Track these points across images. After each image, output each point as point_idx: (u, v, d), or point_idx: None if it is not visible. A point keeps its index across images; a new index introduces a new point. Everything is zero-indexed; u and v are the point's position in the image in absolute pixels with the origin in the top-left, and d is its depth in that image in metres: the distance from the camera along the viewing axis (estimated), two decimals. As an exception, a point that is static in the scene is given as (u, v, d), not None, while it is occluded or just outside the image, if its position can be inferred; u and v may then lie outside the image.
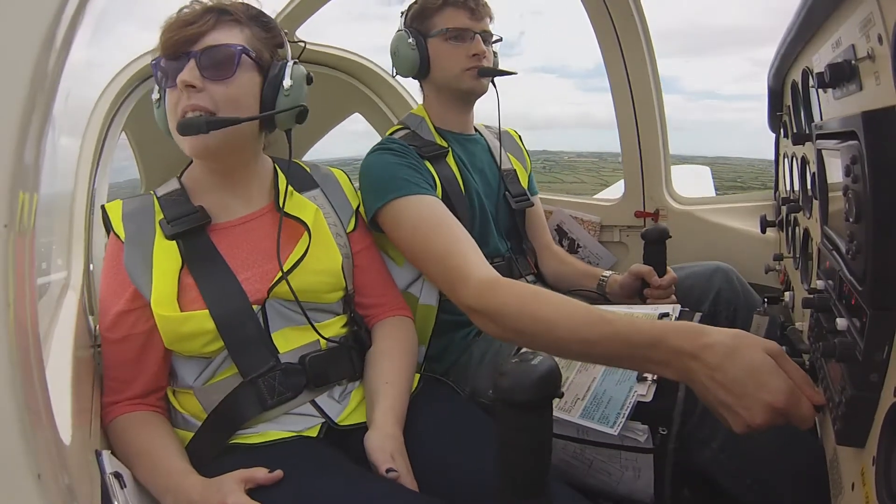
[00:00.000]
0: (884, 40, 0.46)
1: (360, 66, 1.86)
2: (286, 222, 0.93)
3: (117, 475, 0.69)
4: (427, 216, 1.03)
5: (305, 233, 0.93)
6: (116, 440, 0.83)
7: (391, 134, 1.24)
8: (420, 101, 1.32)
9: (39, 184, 0.43)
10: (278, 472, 0.75)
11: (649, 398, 0.88)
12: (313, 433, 0.87)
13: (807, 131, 0.92)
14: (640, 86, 1.58)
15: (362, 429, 0.85)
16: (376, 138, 1.27)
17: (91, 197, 1.19)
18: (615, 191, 2.34)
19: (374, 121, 2.04)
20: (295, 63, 0.91)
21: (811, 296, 0.67)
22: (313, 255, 0.92)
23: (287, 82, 0.88)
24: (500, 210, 1.30)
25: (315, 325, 0.91)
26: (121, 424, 0.84)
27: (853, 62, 0.54)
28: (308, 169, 1.05)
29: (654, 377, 0.90)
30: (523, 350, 0.82)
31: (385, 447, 0.80)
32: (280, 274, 0.88)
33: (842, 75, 0.56)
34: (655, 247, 1.21)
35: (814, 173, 0.80)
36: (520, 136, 1.48)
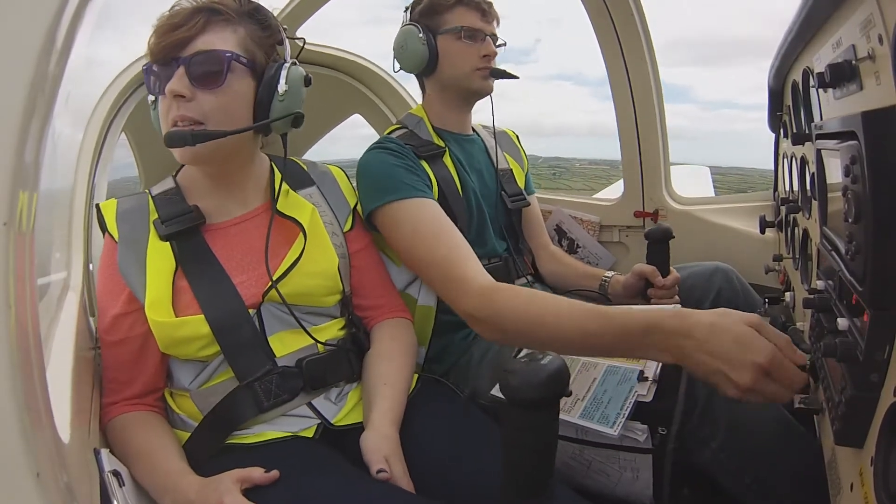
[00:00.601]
0: (884, 40, 0.46)
1: (360, 66, 1.86)
2: (282, 223, 0.93)
3: (116, 474, 0.69)
4: (425, 221, 1.03)
5: (301, 234, 0.93)
6: (115, 440, 0.83)
7: (389, 133, 1.23)
8: (420, 101, 1.32)
9: (39, 183, 0.43)
10: (274, 472, 0.75)
11: (649, 398, 0.88)
12: (309, 433, 0.87)
13: (806, 131, 0.92)
14: (640, 85, 1.58)
15: (359, 429, 0.85)
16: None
17: (90, 196, 1.19)
18: (615, 191, 2.34)
19: (374, 122, 2.04)
20: (293, 64, 0.88)
21: (811, 296, 0.67)
22: (309, 257, 0.91)
23: (282, 87, 0.85)
24: (497, 210, 1.30)
25: (312, 328, 0.91)
26: (119, 424, 0.84)
27: (853, 62, 0.54)
28: (305, 167, 1.04)
29: (655, 377, 0.90)
30: (525, 350, 0.82)
31: (380, 448, 0.79)
32: (273, 278, 0.87)
33: (842, 75, 0.56)
34: (659, 246, 1.21)
35: (813, 173, 0.80)
36: (517, 136, 1.48)
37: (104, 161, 1.25)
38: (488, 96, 1.26)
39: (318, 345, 0.91)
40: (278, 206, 0.93)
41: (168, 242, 0.88)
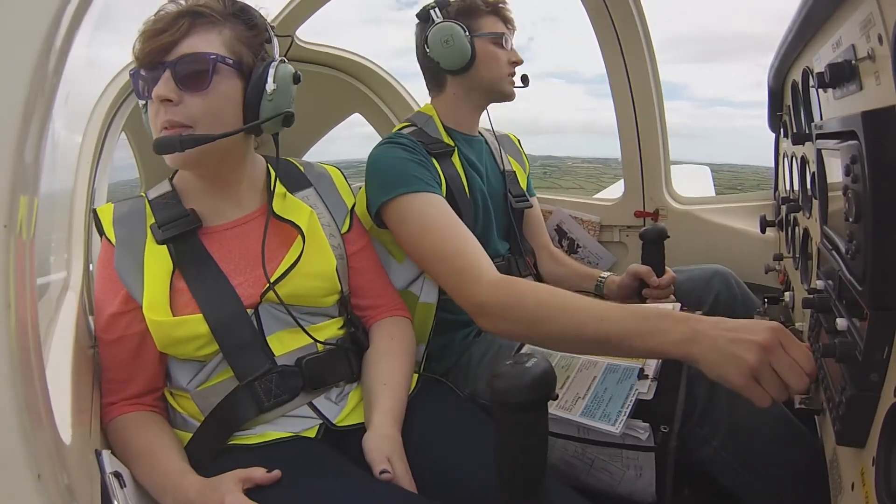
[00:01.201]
0: (884, 40, 0.46)
1: (360, 66, 1.86)
2: (280, 226, 0.93)
3: (117, 475, 0.69)
4: (436, 215, 1.03)
5: (299, 236, 0.92)
6: (115, 440, 0.83)
7: (399, 130, 1.24)
8: (421, 102, 1.32)
9: (39, 186, 0.43)
10: (276, 472, 0.75)
11: (650, 396, 0.88)
12: (311, 434, 0.87)
13: (807, 131, 0.92)
14: (640, 84, 1.58)
15: (361, 429, 0.85)
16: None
17: (91, 197, 1.19)
18: (615, 190, 2.34)
19: (374, 121, 2.04)
20: (281, 61, 0.87)
21: (811, 296, 0.67)
22: (307, 260, 0.91)
23: (270, 86, 0.84)
24: (502, 211, 1.31)
25: (311, 327, 0.91)
26: (119, 424, 0.84)
27: (853, 62, 0.54)
28: (302, 168, 1.04)
29: (655, 375, 0.91)
30: (522, 351, 0.82)
31: (382, 448, 0.79)
32: (271, 280, 0.87)
33: (842, 75, 0.55)
34: (654, 247, 1.21)
35: (813, 173, 0.80)
36: (518, 140, 1.50)
37: (104, 161, 1.25)
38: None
39: (317, 344, 0.91)
40: (276, 209, 0.93)
41: (165, 246, 0.88)
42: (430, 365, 1.16)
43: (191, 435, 0.86)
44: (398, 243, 1.09)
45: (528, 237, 1.41)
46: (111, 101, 1.26)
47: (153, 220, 0.89)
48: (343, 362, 0.94)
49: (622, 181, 1.74)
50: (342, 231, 1.01)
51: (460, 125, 1.27)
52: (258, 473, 0.74)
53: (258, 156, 0.99)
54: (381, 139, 1.17)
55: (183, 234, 0.88)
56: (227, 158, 0.90)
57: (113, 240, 0.89)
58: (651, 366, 0.93)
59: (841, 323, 0.54)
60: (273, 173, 0.96)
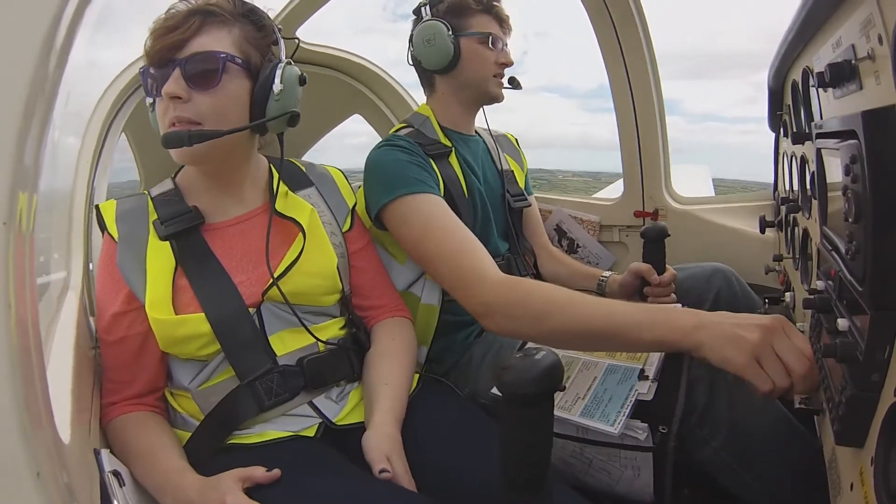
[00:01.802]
0: (884, 40, 0.46)
1: (360, 67, 1.86)
2: (282, 223, 0.93)
3: (116, 474, 0.69)
4: (437, 215, 1.03)
5: (300, 234, 0.93)
6: (115, 440, 0.83)
7: (395, 132, 1.24)
8: (420, 102, 1.32)
9: (39, 184, 0.43)
10: (276, 472, 0.75)
11: (650, 397, 0.88)
12: (311, 433, 0.87)
13: (806, 131, 0.92)
14: (639, 80, 1.57)
15: (361, 428, 0.85)
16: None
17: (90, 197, 1.19)
18: (614, 190, 2.34)
19: (374, 122, 2.04)
20: (288, 63, 0.89)
21: (811, 296, 0.67)
22: (308, 257, 0.91)
23: (277, 86, 0.85)
24: (500, 210, 1.30)
25: (312, 327, 0.91)
26: (119, 424, 0.84)
27: (853, 62, 0.54)
28: (303, 168, 1.04)
29: (655, 376, 0.91)
30: (526, 346, 0.82)
31: (382, 447, 0.80)
32: (274, 277, 0.87)
33: (842, 75, 0.55)
34: (655, 245, 1.21)
35: (813, 173, 0.80)
36: (516, 140, 1.50)
37: (104, 161, 1.25)
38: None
39: (319, 343, 0.92)
40: (278, 207, 0.93)
41: (168, 242, 0.88)
42: (431, 365, 1.16)
43: (190, 434, 0.86)
44: (400, 245, 1.09)
45: (527, 236, 1.41)
46: (112, 102, 1.27)
47: (156, 217, 0.90)
48: (344, 362, 0.95)
49: (622, 181, 1.74)
50: (343, 230, 1.02)
51: (456, 125, 1.27)
52: (258, 472, 0.74)
53: (261, 156, 0.99)
54: (378, 142, 1.17)
55: (185, 230, 0.88)
56: (232, 156, 0.91)
57: (115, 236, 0.89)
58: (651, 367, 0.93)
59: (842, 323, 0.54)
60: (275, 172, 0.97)
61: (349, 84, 1.91)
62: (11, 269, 0.37)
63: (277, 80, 0.86)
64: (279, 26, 0.93)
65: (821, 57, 0.73)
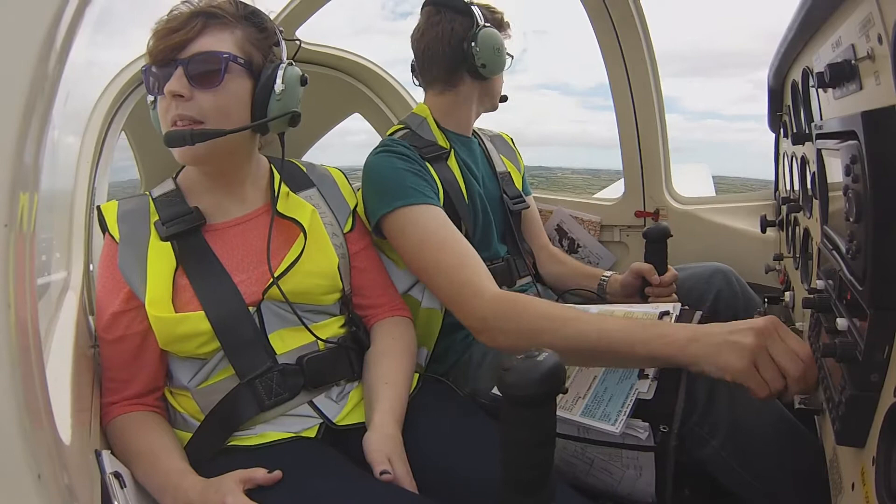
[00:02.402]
0: (884, 40, 0.46)
1: (360, 66, 1.86)
2: (283, 224, 0.93)
3: (117, 475, 0.69)
4: (435, 227, 1.03)
5: (301, 234, 0.93)
6: (115, 440, 0.83)
7: (391, 134, 1.23)
8: (419, 101, 1.32)
9: (40, 184, 0.43)
10: (277, 473, 0.75)
11: (650, 396, 0.88)
12: (311, 433, 0.87)
13: (807, 131, 0.92)
14: (639, 80, 1.57)
15: (361, 428, 0.85)
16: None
17: (91, 197, 1.19)
18: (615, 190, 2.34)
19: (374, 121, 2.04)
20: (289, 64, 0.89)
21: (811, 296, 0.67)
22: (308, 257, 0.92)
23: (279, 87, 0.86)
24: (498, 212, 1.30)
25: (312, 325, 0.91)
26: (119, 424, 0.84)
27: (853, 62, 0.54)
28: (304, 168, 1.05)
29: (655, 375, 0.90)
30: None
31: (383, 448, 0.80)
32: (273, 277, 0.87)
33: (842, 75, 0.55)
34: (656, 245, 1.21)
35: (814, 173, 0.80)
36: (512, 139, 1.50)
37: (104, 161, 1.25)
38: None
39: (319, 342, 0.92)
40: (279, 208, 0.93)
41: (169, 243, 0.88)
42: (431, 365, 1.16)
43: (191, 434, 0.86)
44: (398, 254, 1.09)
45: (526, 238, 1.40)
46: (111, 101, 1.26)
47: (157, 217, 0.90)
48: (344, 361, 0.95)
49: (622, 181, 1.74)
50: (344, 230, 1.02)
51: (459, 126, 1.27)
52: (259, 474, 0.74)
53: (262, 156, 1.00)
54: (375, 146, 1.16)
55: (186, 230, 0.89)
56: (234, 155, 0.91)
57: (117, 237, 0.89)
58: (651, 365, 0.93)
59: (841, 323, 0.54)
60: (276, 173, 0.97)
61: (349, 83, 1.91)
62: (11, 269, 0.37)
63: (279, 81, 0.86)
64: (280, 28, 0.93)
65: (821, 57, 0.73)
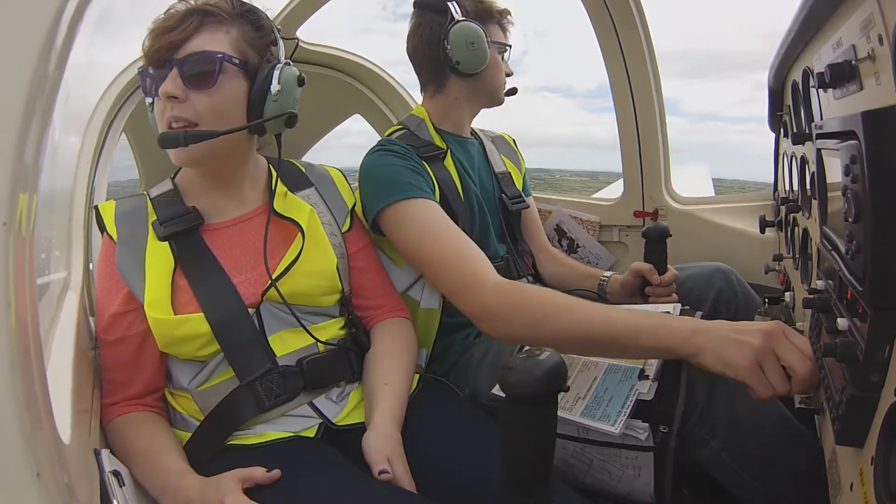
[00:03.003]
0: (884, 41, 0.46)
1: (360, 66, 1.86)
2: (281, 224, 0.93)
3: (116, 474, 0.69)
4: (433, 220, 1.03)
5: (299, 234, 0.93)
6: (115, 440, 0.83)
7: (389, 135, 1.23)
8: (419, 101, 1.31)
9: (39, 184, 0.43)
10: (276, 472, 0.75)
11: (650, 396, 0.88)
12: (311, 433, 0.87)
13: (806, 131, 0.92)
14: (639, 80, 1.56)
15: (361, 429, 0.85)
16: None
17: (90, 197, 1.19)
18: (614, 190, 2.34)
19: (374, 121, 2.04)
20: (286, 64, 0.89)
21: (811, 296, 0.67)
22: (307, 258, 0.91)
23: (275, 87, 0.85)
24: (497, 212, 1.30)
25: (312, 327, 0.91)
26: (119, 425, 0.84)
27: (853, 62, 0.54)
28: (303, 168, 1.05)
29: (656, 376, 0.90)
30: (527, 347, 0.82)
31: (382, 448, 0.80)
32: (273, 277, 0.87)
33: (842, 75, 0.55)
34: (656, 245, 1.21)
35: (813, 173, 0.80)
36: (514, 140, 1.50)
37: (104, 161, 1.25)
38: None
39: (319, 344, 0.91)
40: (277, 208, 0.93)
41: (167, 243, 0.88)
42: (431, 365, 1.16)
43: (190, 434, 0.86)
44: (397, 250, 1.09)
45: (525, 238, 1.40)
46: (112, 102, 1.26)
47: (155, 218, 0.90)
48: (344, 362, 0.95)
49: (622, 181, 1.74)
50: (343, 230, 1.01)
51: (454, 127, 1.27)
52: (258, 473, 0.74)
53: (260, 156, 0.99)
54: (372, 146, 1.15)
55: (185, 230, 0.88)
56: (231, 157, 0.91)
57: (115, 237, 0.89)
58: (652, 366, 0.93)
59: (842, 323, 0.54)
60: (274, 173, 0.96)
61: (349, 84, 1.91)
62: (11, 269, 0.37)
63: (275, 81, 0.86)
64: (278, 27, 0.93)
65: (821, 57, 0.73)
